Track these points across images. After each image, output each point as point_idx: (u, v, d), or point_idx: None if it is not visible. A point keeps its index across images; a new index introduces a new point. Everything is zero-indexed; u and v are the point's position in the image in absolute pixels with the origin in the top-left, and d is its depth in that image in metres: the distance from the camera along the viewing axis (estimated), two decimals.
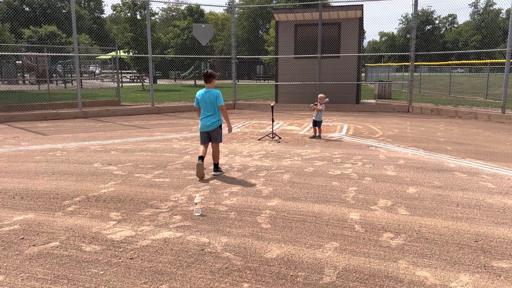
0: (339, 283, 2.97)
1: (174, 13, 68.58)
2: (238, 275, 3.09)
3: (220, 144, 6.24)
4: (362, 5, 14.86)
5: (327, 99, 9.22)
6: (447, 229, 3.95)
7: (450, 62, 24.60)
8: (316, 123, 8.98)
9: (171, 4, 69.59)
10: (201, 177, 5.75)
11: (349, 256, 3.40)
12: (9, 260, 3.34)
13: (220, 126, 6.05)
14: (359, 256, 3.40)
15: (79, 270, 3.16)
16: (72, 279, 3.03)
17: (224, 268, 3.20)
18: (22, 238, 3.76)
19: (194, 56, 26.73)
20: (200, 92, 5.99)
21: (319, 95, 9.20)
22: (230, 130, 6.29)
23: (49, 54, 18.68)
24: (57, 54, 16.89)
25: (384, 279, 3.02)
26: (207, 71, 5.90)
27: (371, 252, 3.47)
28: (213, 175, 5.97)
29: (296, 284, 2.96)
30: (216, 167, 6.11)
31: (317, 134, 9.04)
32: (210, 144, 6.08)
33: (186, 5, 40.25)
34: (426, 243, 3.65)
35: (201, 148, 6.01)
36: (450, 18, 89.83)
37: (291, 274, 3.11)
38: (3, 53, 17.76)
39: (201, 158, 5.84)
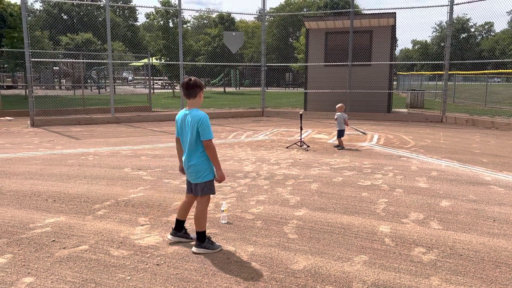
0: None
1: (205, 21, 69.63)
2: (263, 286, 3.04)
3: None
4: (395, 13, 14.63)
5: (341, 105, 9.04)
6: (483, 246, 3.77)
7: (486, 71, 23.82)
8: (340, 133, 8.79)
9: (203, 12, 70.70)
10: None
11: (379, 270, 3.29)
12: (40, 262, 3.41)
13: (210, 181, 3.64)
14: (389, 271, 3.29)
15: (107, 275, 3.20)
16: (100, 283, 3.06)
17: (249, 278, 3.16)
18: (53, 240, 3.84)
19: (224, 63, 26.95)
20: (180, 114, 3.67)
21: (337, 106, 8.95)
22: (220, 178, 3.60)
23: (84, 60, 19.25)
24: (92, 60, 17.40)
25: None
26: (190, 79, 3.56)
27: (402, 267, 3.35)
28: (193, 252, 3.61)
29: None
30: (202, 238, 3.64)
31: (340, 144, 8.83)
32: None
33: (218, 13, 40.77)
34: (460, 259, 3.49)
35: (180, 203, 3.94)
36: (486, 26, 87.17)
37: (318, 287, 3.04)
38: (42, 59, 18.46)
39: (179, 223, 3.84)
